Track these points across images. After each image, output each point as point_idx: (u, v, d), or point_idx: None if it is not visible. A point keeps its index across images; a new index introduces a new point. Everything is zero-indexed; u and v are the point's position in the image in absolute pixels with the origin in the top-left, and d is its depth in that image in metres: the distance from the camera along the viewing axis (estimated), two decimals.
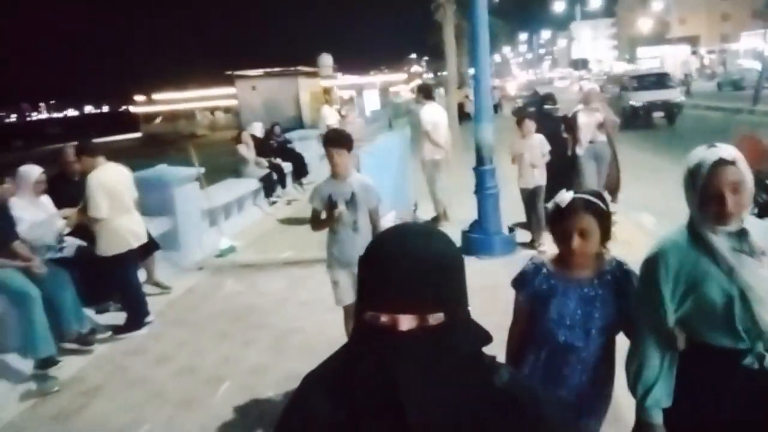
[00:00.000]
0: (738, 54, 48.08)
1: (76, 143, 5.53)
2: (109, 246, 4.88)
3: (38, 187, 5.05)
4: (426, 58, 79.49)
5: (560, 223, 2.04)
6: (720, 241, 1.75)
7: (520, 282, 2.18)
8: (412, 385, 0.92)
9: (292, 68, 40.74)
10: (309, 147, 12.51)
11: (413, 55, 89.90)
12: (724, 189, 1.71)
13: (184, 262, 6.99)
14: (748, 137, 7.09)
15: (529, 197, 6.75)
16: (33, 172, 5.02)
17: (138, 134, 53.85)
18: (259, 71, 41.68)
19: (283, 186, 10.74)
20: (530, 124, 6.66)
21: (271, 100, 37.60)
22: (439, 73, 58.85)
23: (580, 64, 72.92)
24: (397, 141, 8.77)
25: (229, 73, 41.55)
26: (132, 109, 70.37)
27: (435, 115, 7.84)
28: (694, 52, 57.86)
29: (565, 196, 2.02)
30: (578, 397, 2.12)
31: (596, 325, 2.05)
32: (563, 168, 7.00)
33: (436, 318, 0.94)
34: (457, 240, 6.82)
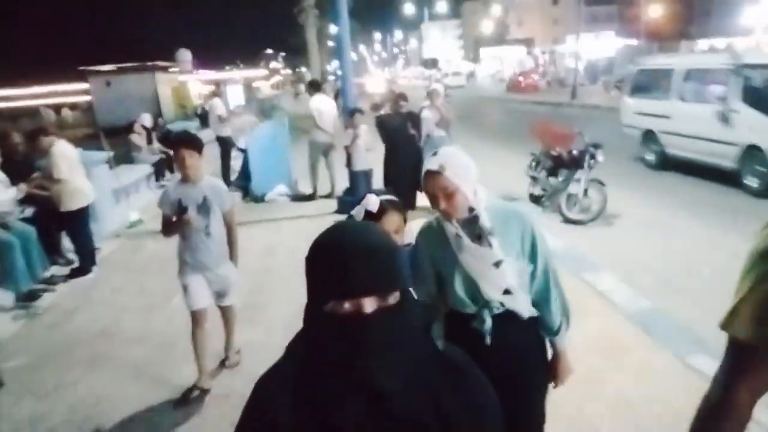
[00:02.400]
0: (564, 55, 53.99)
1: (28, 129, 6.70)
2: (72, 201, 6.20)
3: None
4: (283, 53, 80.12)
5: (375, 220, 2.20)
6: (450, 227, 2.06)
7: None
8: (381, 363, 0.99)
9: (149, 63, 40.27)
10: None
11: (269, 51, 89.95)
12: (436, 193, 2.02)
13: (102, 232, 8.22)
14: (540, 123, 9.59)
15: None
16: None
17: None
18: (113, 66, 40.72)
19: (171, 171, 12.01)
20: (359, 117, 8.20)
21: (127, 96, 37.03)
22: (297, 69, 60.01)
23: (431, 63, 77.65)
24: (278, 129, 10.44)
25: (82, 68, 40.17)
26: None
27: (322, 104, 9.46)
28: (528, 53, 64.22)
29: (374, 200, 2.19)
30: None
31: None
32: (411, 158, 7.62)
33: (394, 297, 1.02)
34: (333, 205, 8.73)
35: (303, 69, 47.01)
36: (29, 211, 6.29)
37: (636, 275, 5.53)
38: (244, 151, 10.55)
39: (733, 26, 42.86)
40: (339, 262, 0.99)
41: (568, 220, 7.69)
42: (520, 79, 41.69)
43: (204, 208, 3.71)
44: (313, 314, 1.05)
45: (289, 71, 70.75)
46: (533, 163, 8.86)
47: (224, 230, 3.86)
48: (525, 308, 2.11)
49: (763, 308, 1.12)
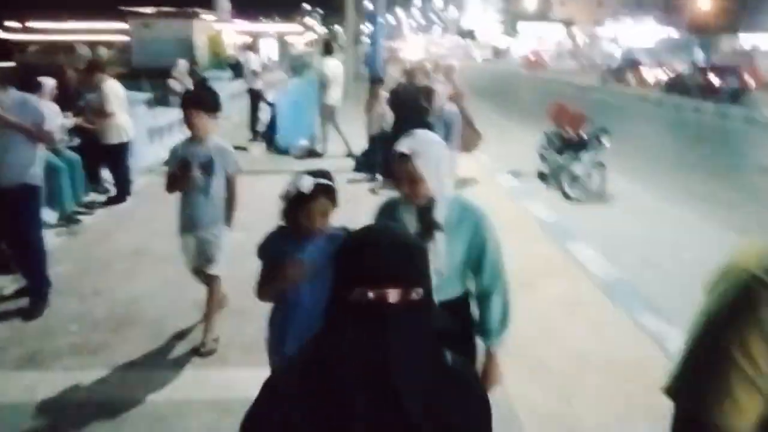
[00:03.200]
0: (602, 39, 53.25)
1: (90, 60, 7.36)
2: (115, 136, 6.89)
3: (51, 94, 6.88)
4: (320, 10, 79.73)
5: (304, 204, 2.24)
6: (404, 210, 2.11)
7: (260, 248, 2.39)
8: (399, 354, 1.02)
9: (189, 10, 40.71)
10: (223, 86, 14.36)
11: (307, 6, 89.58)
12: (401, 177, 2.04)
13: (137, 167, 8.91)
14: (557, 104, 10.01)
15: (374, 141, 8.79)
16: (50, 82, 6.83)
17: (11, 63, 50.90)
18: (153, 9, 41.24)
19: None
20: (378, 86, 8.78)
21: (163, 40, 37.54)
22: (332, 27, 59.79)
23: (467, 33, 77.14)
24: (305, 87, 10.99)
25: (122, 8, 40.77)
26: (1, 34, 65.53)
27: (334, 69, 10.09)
28: (568, 34, 63.35)
29: (308, 182, 2.19)
30: None
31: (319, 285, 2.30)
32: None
33: (417, 293, 1.06)
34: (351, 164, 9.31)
35: (338, 28, 47.03)
36: (76, 141, 6.96)
37: (617, 251, 6.06)
38: (272, 105, 11.13)
39: None
40: (368, 252, 1.05)
41: (567, 197, 8.19)
42: (530, 56, 42.93)
43: (208, 167, 3.74)
44: (336, 304, 1.09)
45: (324, 29, 70.57)
46: (544, 142, 9.33)
47: (224, 193, 3.85)
48: (453, 295, 2.18)
49: (703, 379, 1.06)
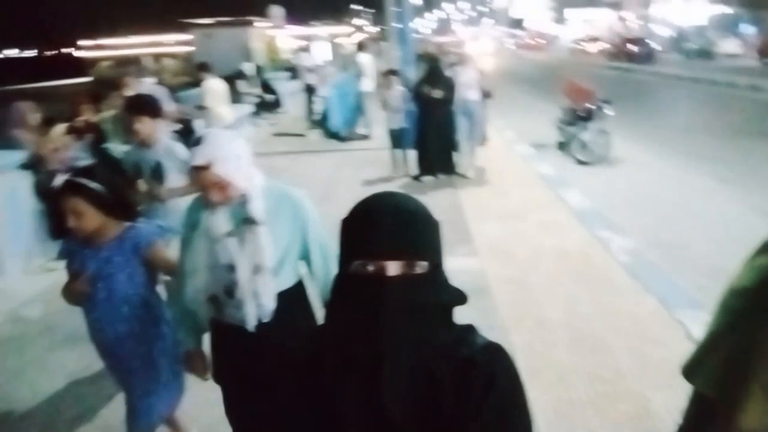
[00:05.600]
0: (653, 20, 52.77)
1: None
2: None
3: None
4: (372, 11, 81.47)
5: (58, 203, 2.25)
6: (213, 210, 2.04)
7: (59, 253, 2.52)
8: (395, 330, 0.97)
9: (245, 18, 43.41)
10: (283, 85, 16.41)
11: (359, 6, 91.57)
12: (207, 187, 1.97)
13: None
14: (569, 81, 11.37)
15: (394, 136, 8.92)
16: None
17: (88, 78, 55.01)
18: (212, 20, 44.21)
19: (268, 111, 14.78)
20: (393, 79, 8.86)
21: (223, 48, 40.25)
22: (382, 27, 61.38)
23: (516, 24, 77.65)
24: (352, 80, 12.77)
25: (184, 21, 43.89)
26: (75, 53, 70.68)
27: (366, 62, 12.07)
28: (620, 18, 62.97)
29: (59, 180, 2.18)
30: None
31: (117, 284, 2.42)
32: (440, 123, 8.29)
33: (421, 267, 1.00)
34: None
35: (385, 27, 48.69)
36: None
37: (599, 194, 7.50)
38: (324, 97, 12.99)
39: None
40: (369, 222, 1.01)
41: (578, 162, 9.62)
42: (528, 40, 46.10)
43: (157, 172, 3.64)
44: (338, 278, 1.06)
45: (375, 28, 72.31)
46: (560, 115, 10.76)
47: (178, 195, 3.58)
48: (273, 293, 2.07)
49: (727, 365, 1.06)
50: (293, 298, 2.16)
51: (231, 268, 2.03)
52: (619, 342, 3.86)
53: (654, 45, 35.76)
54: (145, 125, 3.68)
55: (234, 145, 2.01)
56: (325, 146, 11.39)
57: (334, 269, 2.02)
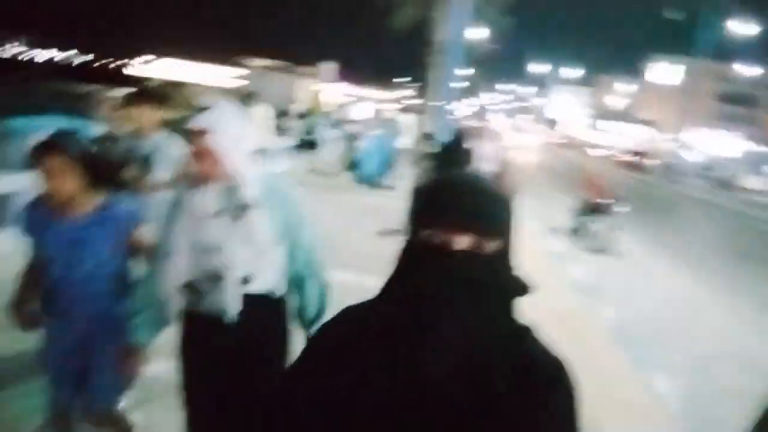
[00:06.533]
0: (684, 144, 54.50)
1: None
2: None
3: None
4: (417, 84, 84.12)
5: (38, 161, 2.11)
6: (197, 194, 1.94)
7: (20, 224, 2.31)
8: (452, 302, 0.94)
9: (297, 66, 45.66)
10: (323, 131, 17.62)
11: (407, 78, 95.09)
12: (198, 154, 1.88)
13: None
14: (588, 176, 12.18)
15: None
16: None
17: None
18: (268, 61, 46.55)
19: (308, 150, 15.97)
20: (429, 142, 10.53)
21: (272, 90, 42.21)
22: (425, 101, 63.38)
23: (550, 122, 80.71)
24: (387, 136, 13.80)
25: (240, 58, 46.30)
26: (126, 71, 73.26)
27: (406, 122, 13.24)
28: (653, 135, 65.00)
29: (42, 137, 2.09)
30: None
31: (92, 256, 2.23)
32: None
33: (489, 246, 0.97)
34: None
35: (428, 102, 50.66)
36: None
37: (593, 271, 8.17)
38: (360, 149, 14.07)
39: None
40: (445, 193, 1.00)
41: (585, 248, 10.33)
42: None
43: (145, 163, 3.66)
44: (405, 246, 1.04)
45: (419, 101, 74.45)
46: (576, 205, 11.54)
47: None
48: (265, 286, 2.00)
49: None
50: (271, 302, 2.06)
51: (217, 248, 1.92)
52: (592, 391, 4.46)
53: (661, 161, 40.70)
54: (143, 114, 3.71)
55: (239, 124, 1.94)
56: (354, 189, 12.33)
57: (317, 272, 2.09)
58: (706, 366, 5.48)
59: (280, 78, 44.03)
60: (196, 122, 1.87)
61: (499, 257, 1.00)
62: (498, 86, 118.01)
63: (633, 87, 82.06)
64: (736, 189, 34.41)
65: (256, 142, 2.04)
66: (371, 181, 13.04)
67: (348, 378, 1.01)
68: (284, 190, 2.07)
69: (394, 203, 10.61)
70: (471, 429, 0.95)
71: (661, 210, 18.76)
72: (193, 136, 1.89)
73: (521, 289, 1.03)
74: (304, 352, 1.14)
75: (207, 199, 1.93)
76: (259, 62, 46.65)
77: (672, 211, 19.51)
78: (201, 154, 1.89)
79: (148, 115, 3.73)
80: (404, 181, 12.77)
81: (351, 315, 1.11)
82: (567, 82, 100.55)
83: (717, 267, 10.26)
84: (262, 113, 9.91)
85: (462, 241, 0.96)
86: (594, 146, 56.60)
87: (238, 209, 1.92)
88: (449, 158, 8.21)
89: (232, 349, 1.97)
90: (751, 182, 35.72)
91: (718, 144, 50.30)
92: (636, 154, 45.47)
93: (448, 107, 11.87)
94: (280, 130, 15.14)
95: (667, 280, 8.91)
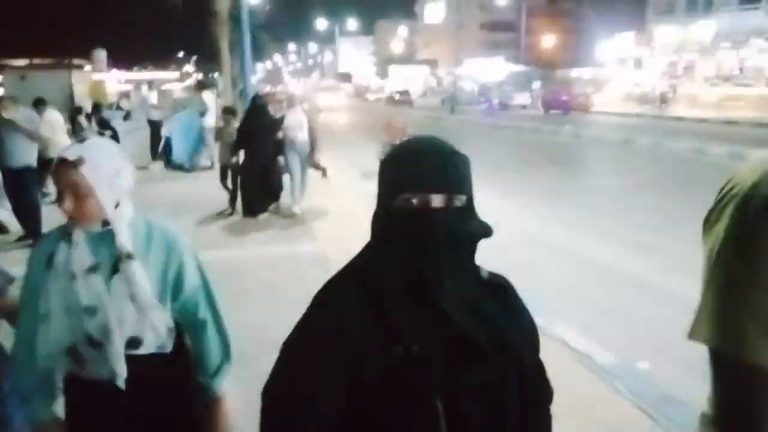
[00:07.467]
0: (461, 77, 59.40)
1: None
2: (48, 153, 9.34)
3: None
4: (195, 57, 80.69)
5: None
6: (71, 239, 1.69)
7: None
8: (443, 262, 1.05)
9: (65, 61, 41.66)
10: (119, 124, 16.90)
11: (181, 54, 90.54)
12: (64, 189, 1.63)
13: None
14: (386, 121, 13.37)
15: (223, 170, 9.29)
16: None
17: None
18: (27, 62, 41.84)
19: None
20: (230, 117, 9.64)
21: (41, 92, 38.09)
22: (210, 75, 61.47)
23: (344, 77, 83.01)
24: (191, 116, 13.77)
25: None
26: None
27: (209, 100, 13.50)
28: (431, 73, 69.76)
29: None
30: None
31: None
32: (268, 158, 8.71)
33: (460, 200, 1.08)
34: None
35: (215, 74, 49.39)
36: None
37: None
38: (167, 136, 13.85)
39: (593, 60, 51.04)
40: (415, 159, 1.09)
41: None
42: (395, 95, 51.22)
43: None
44: (381, 212, 1.13)
45: (200, 75, 71.85)
46: (380, 148, 12.67)
47: None
48: (155, 344, 1.76)
49: (716, 311, 1.15)
50: (165, 364, 1.80)
51: (92, 310, 1.67)
52: None
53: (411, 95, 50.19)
54: None
55: (113, 157, 1.72)
56: (169, 177, 12.30)
57: (213, 316, 1.87)
58: None
59: (49, 76, 40.01)
60: (68, 152, 1.65)
61: (467, 207, 1.12)
62: (290, 47, 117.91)
63: (413, 29, 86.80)
64: (513, 108, 38.74)
65: (131, 179, 1.78)
66: (186, 166, 13.09)
67: (356, 342, 1.07)
68: (164, 229, 1.83)
69: (214, 184, 10.75)
70: (494, 361, 1.09)
71: (452, 138, 20.83)
72: (60, 167, 1.64)
73: (487, 230, 1.15)
74: (300, 329, 1.16)
75: (80, 253, 1.69)
76: (19, 62, 41.78)
77: (459, 137, 21.85)
78: (68, 188, 1.64)
79: None
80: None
81: (344, 284, 1.17)
82: (351, 33, 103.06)
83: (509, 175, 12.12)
84: (54, 118, 9.37)
85: (438, 200, 1.07)
86: (372, 92, 63.84)
87: (115, 262, 1.70)
88: (254, 132, 8.60)
89: (124, 418, 1.75)
90: (520, 99, 40.44)
91: (488, 70, 55.59)
92: (400, 93, 50.98)
93: (247, 78, 12.19)
94: (80, 131, 14.36)
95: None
